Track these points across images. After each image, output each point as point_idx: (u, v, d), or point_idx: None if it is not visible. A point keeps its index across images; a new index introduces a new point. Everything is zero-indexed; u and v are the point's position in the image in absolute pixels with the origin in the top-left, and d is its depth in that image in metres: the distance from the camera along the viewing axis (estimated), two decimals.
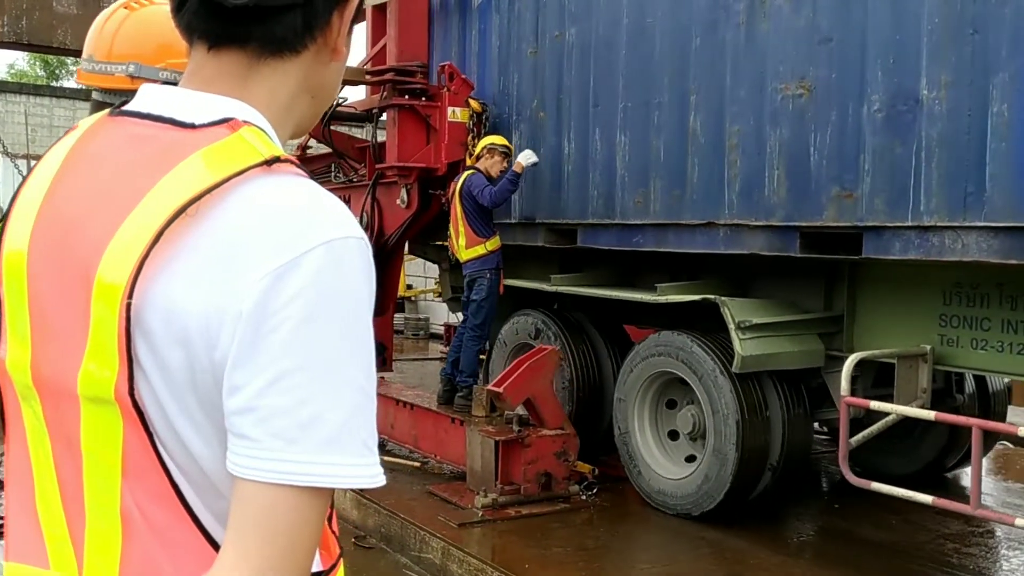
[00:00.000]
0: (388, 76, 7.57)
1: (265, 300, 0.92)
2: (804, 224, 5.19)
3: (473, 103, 7.50)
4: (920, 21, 4.58)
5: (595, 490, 6.35)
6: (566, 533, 5.64)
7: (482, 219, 6.94)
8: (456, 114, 7.44)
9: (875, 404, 4.94)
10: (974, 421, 4.47)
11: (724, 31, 5.61)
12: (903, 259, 4.76)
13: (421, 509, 5.99)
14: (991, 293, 5.05)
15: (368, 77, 7.84)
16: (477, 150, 7.11)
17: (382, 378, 8.17)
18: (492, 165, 7.00)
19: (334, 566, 1.13)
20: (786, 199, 5.27)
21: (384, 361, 8.52)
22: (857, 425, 5.33)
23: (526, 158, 6.70)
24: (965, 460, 7.04)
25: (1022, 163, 4.20)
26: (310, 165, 9.30)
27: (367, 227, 7.95)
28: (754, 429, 5.63)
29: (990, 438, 6.96)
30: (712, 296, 5.73)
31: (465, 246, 7.03)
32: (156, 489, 0.98)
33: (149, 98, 1.08)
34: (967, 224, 4.42)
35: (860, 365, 5.53)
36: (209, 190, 0.95)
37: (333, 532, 1.15)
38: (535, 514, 5.90)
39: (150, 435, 0.97)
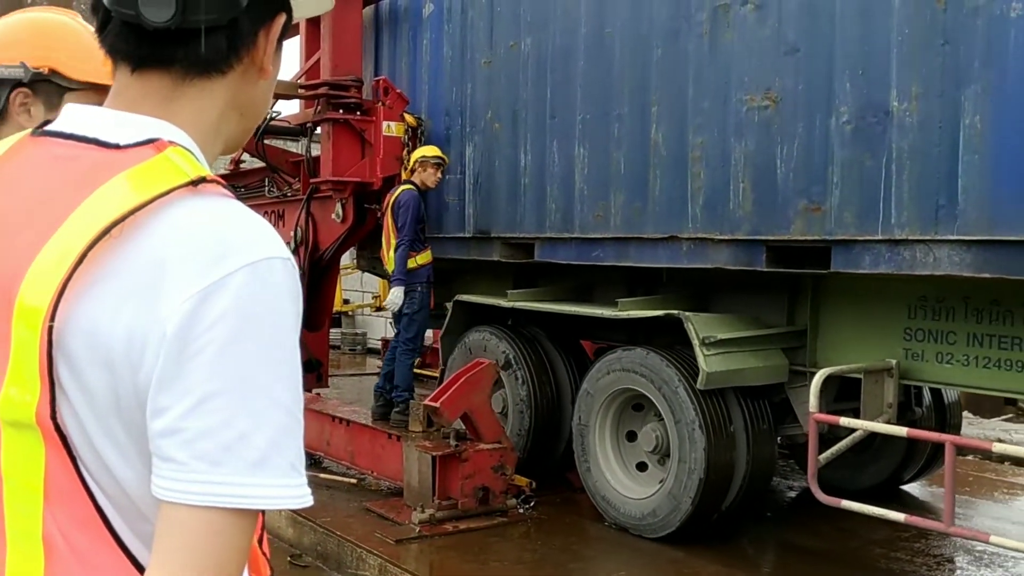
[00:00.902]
0: (322, 90, 7.55)
1: (189, 322, 0.91)
2: (771, 238, 5.11)
3: (408, 117, 7.52)
4: (889, 32, 4.53)
5: (533, 503, 6.33)
6: (504, 547, 5.64)
7: (412, 234, 6.94)
8: (391, 128, 7.45)
9: (844, 420, 4.86)
10: (948, 437, 4.42)
11: (686, 41, 5.52)
12: (871, 273, 4.70)
13: (358, 526, 5.93)
14: (957, 307, 5.01)
15: (302, 91, 7.84)
16: (410, 163, 7.14)
17: (318, 394, 8.22)
18: (426, 177, 7.03)
19: None
20: (752, 212, 5.18)
21: (320, 377, 8.47)
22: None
23: (391, 301, 6.97)
24: (922, 473, 7.07)
25: (995, 176, 4.16)
26: (244, 180, 9.30)
27: (302, 242, 7.93)
28: (719, 446, 5.52)
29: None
30: (676, 312, 5.62)
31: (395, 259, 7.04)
32: (80, 514, 0.97)
33: (73, 118, 1.06)
34: (939, 238, 4.37)
35: (824, 380, 5.49)
36: (133, 211, 0.94)
37: (264, 554, 1.14)
38: (473, 529, 5.88)
39: (73, 459, 0.96)
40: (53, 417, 0.95)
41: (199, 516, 0.91)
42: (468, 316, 7.49)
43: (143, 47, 1.04)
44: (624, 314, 5.92)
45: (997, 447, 4.26)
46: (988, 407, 10.20)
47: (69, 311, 0.93)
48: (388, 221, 7.07)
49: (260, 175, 8.96)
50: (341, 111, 7.55)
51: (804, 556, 5.67)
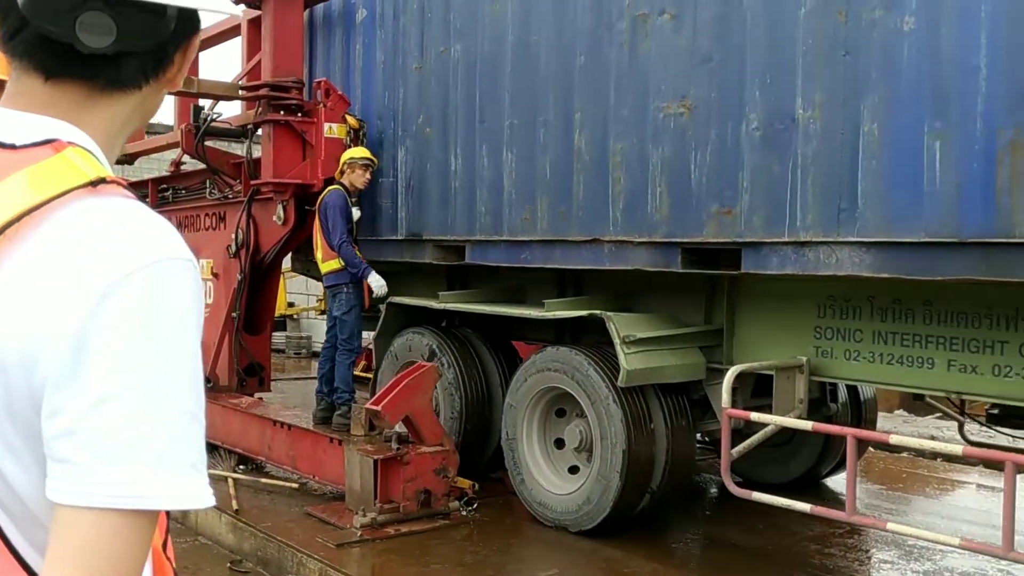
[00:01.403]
0: (263, 92, 7.53)
1: (87, 322, 0.90)
2: (686, 240, 5.29)
3: (350, 119, 7.51)
4: (795, 42, 4.74)
5: (475, 505, 6.36)
6: (445, 549, 5.66)
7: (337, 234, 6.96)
8: (333, 130, 7.45)
9: (755, 415, 5.06)
10: (849, 430, 4.63)
11: (608, 50, 5.70)
12: (779, 274, 4.90)
13: (299, 531, 5.91)
14: (863, 306, 5.23)
15: (243, 93, 7.81)
16: (340, 164, 7.12)
17: (260, 399, 8.17)
18: (355, 179, 7.06)
19: None
20: (668, 216, 5.37)
21: (261, 381, 8.42)
22: (736, 436, 5.45)
23: (377, 286, 6.86)
24: (839, 467, 7.31)
25: (892, 181, 4.38)
26: (184, 181, 9.25)
27: (243, 244, 7.93)
28: (639, 441, 5.69)
29: (862, 445, 7.24)
30: (598, 312, 5.78)
31: (322, 259, 7.07)
32: None
33: None
34: (840, 239, 4.58)
35: (739, 377, 5.69)
36: (30, 211, 0.93)
37: (168, 559, 1.12)
38: (415, 532, 5.89)
39: None
40: None
41: (95, 518, 0.89)
42: (403, 318, 7.59)
43: (67, 64, 1.03)
44: (550, 314, 6.07)
45: (894, 439, 4.48)
46: (922, 407, 10.52)
47: None
48: (316, 222, 7.11)
49: (201, 177, 8.93)
50: (282, 112, 7.55)
51: (740, 553, 5.75)
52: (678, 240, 5.34)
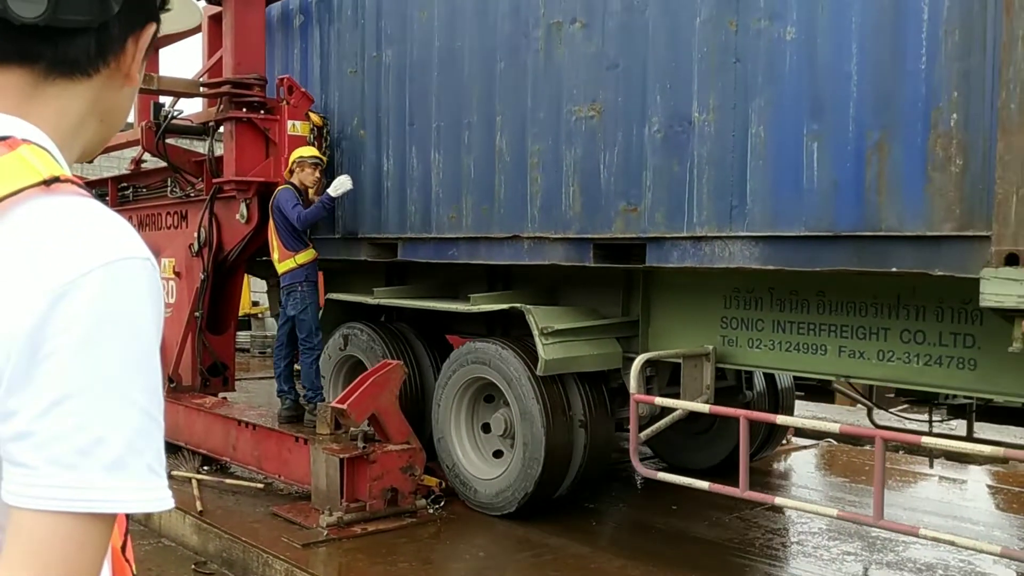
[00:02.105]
0: (224, 88, 7.49)
1: (42, 323, 0.89)
2: (596, 236, 5.59)
3: (314, 116, 7.52)
4: (692, 50, 5.06)
5: (443, 503, 6.37)
6: (413, 548, 5.65)
7: (291, 232, 7.02)
8: (296, 127, 7.42)
9: (659, 400, 5.38)
10: (742, 412, 4.93)
11: (525, 56, 5.99)
12: (680, 267, 5.22)
13: (264, 531, 5.90)
14: (764, 297, 5.57)
15: (204, 90, 7.76)
16: (289, 163, 7.17)
17: (224, 398, 8.13)
18: (305, 177, 7.11)
19: None
20: (581, 213, 5.67)
21: (225, 381, 8.38)
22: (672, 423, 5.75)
23: (338, 187, 6.85)
24: (764, 450, 7.69)
25: (776, 179, 4.71)
26: (145, 180, 9.23)
27: (205, 243, 7.90)
28: (558, 428, 5.99)
29: (780, 431, 7.59)
30: (519, 305, 6.08)
31: (278, 260, 7.13)
32: None
33: None
34: (732, 234, 4.91)
35: (655, 366, 6.02)
36: None
37: (127, 560, 1.11)
38: (382, 530, 5.88)
39: None
40: None
41: (51, 521, 0.89)
42: (340, 313, 7.84)
43: (5, 42, 1.01)
44: (474, 308, 6.36)
45: (780, 419, 4.79)
46: (889, 400, 10.56)
47: None
48: (271, 224, 7.17)
49: (162, 175, 8.88)
50: (244, 110, 7.50)
51: (706, 547, 5.83)
52: (590, 236, 5.64)
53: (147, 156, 8.90)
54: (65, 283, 0.90)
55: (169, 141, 8.15)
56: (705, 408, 5.17)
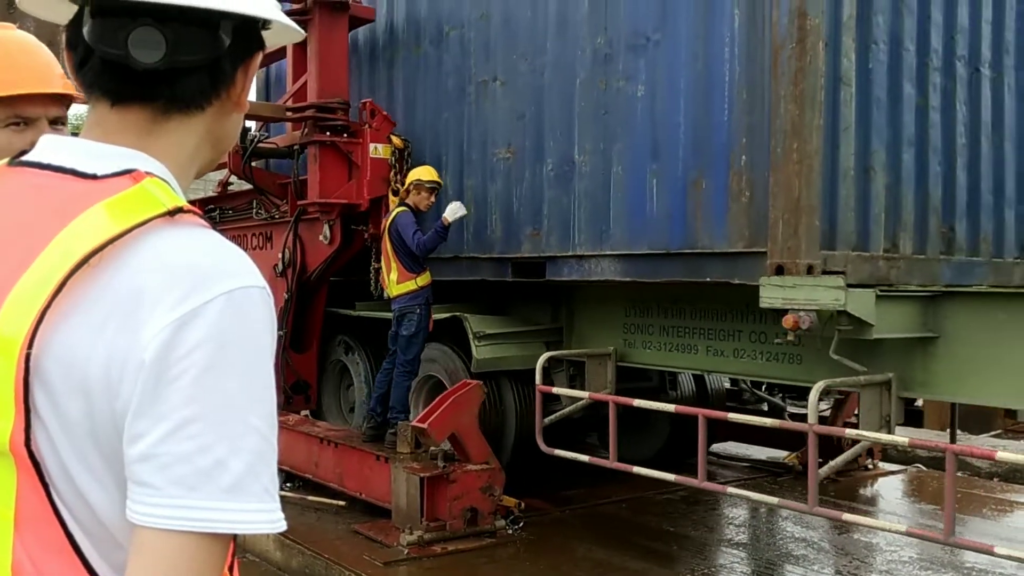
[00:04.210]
0: (309, 113, 7.65)
1: (167, 350, 0.93)
2: (512, 256, 6.75)
3: (395, 139, 7.60)
4: (574, 104, 6.21)
5: (521, 524, 6.45)
6: (492, 568, 5.70)
7: (412, 255, 6.94)
8: (378, 150, 7.53)
9: (557, 390, 6.49)
10: (610, 398, 6.02)
11: (463, 106, 7.21)
12: (567, 280, 6.36)
13: (346, 548, 6.01)
14: (653, 305, 6.65)
15: (289, 114, 7.90)
16: (406, 183, 7.17)
17: (306, 416, 8.34)
18: (419, 200, 7.05)
19: None
20: (501, 237, 6.84)
21: (308, 399, 8.53)
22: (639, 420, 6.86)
23: (453, 213, 6.76)
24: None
25: (630, 209, 5.82)
26: (232, 202, 9.58)
27: (289, 263, 8.09)
28: (492, 419, 7.12)
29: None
30: (458, 313, 7.26)
31: (396, 281, 7.05)
32: (50, 541, 0.98)
33: (50, 148, 1.09)
34: (602, 253, 6.03)
35: (578, 366, 7.12)
36: (111, 240, 0.96)
37: None
38: (461, 550, 5.94)
39: (45, 486, 0.97)
40: (27, 444, 0.95)
41: (172, 540, 0.92)
42: (333, 325, 9.11)
43: (128, 85, 1.06)
44: (435, 316, 7.55)
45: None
46: (976, 424, 10.83)
47: (47, 339, 0.95)
48: (387, 246, 7.08)
49: (248, 197, 9.02)
50: (328, 133, 7.63)
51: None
52: (508, 256, 6.80)
53: (233, 178, 9.11)
54: (189, 311, 0.94)
55: (254, 164, 8.32)
56: (584, 394, 6.27)
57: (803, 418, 6.96)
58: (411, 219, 6.93)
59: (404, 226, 6.89)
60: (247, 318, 0.98)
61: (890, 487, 8.27)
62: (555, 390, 6.50)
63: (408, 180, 7.15)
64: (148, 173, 1.05)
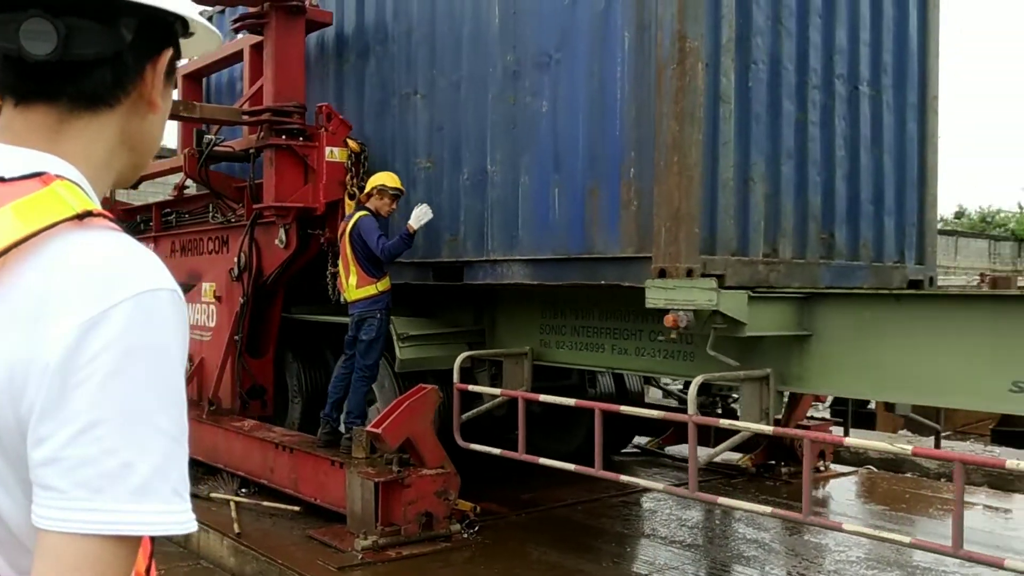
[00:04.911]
0: (265, 116, 7.65)
1: (73, 353, 0.93)
2: (433, 260, 7.12)
3: (352, 143, 7.60)
4: (487, 117, 6.59)
5: (477, 528, 6.51)
6: (447, 572, 5.75)
7: (373, 260, 6.91)
8: (334, 154, 7.53)
9: (473, 388, 6.85)
10: (519, 394, 6.40)
11: (387, 119, 7.57)
12: (482, 283, 6.73)
13: (300, 554, 6.02)
14: (565, 308, 7.04)
15: (245, 117, 7.91)
16: (367, 187, 7.12)
17: (262, 422, 8.26)
18: (382, 206, 7.02)
19: None
20: (424, 243, 7.19)
21: (264, 404, 8.49)
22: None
23: (419, 219, 6.71)
24: (623, 444, 9.09)
25: (536, 216, 6.21)
26: (187, 206, 9.55)
27: (245, 267, 8.09)
28: None
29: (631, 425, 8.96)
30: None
31: (356, 286, 7.02)
32: None
33: None
34: (512, 258, 6.41)
35: (499, 366, 7.49)
36: (18, 243, 0.95)
37: None
38: (416, 555, 5.96)
39: None
40: None
41: (78, 544, 0.91)
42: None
43: (27, 81, 1.05)
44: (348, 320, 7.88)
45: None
46: (925, 426, 11.06)
47: None
48: (346, 250, 7.02)
49: (204, 201, 9.01)
50: (284, 137, 7.62)
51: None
52: (430, 260, 7.17)
53: (190, 182, 9.03)
54: (95, 314, 0.94)
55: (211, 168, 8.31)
56: (495, 392, 6.65)
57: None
58: (374, 223, 6.91)
59: (368, 231, 6.85)
60: (155, 322, 0.98)
61: (842, 488, 8.49)
62: (472, 388, 6.86)
63: (370, 185, 7.10)
64: (59, 176, 1.04)
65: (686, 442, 5.17)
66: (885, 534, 4.46)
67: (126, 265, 0.99)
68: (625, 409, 5.94)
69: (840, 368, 5.32)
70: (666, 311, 5.22)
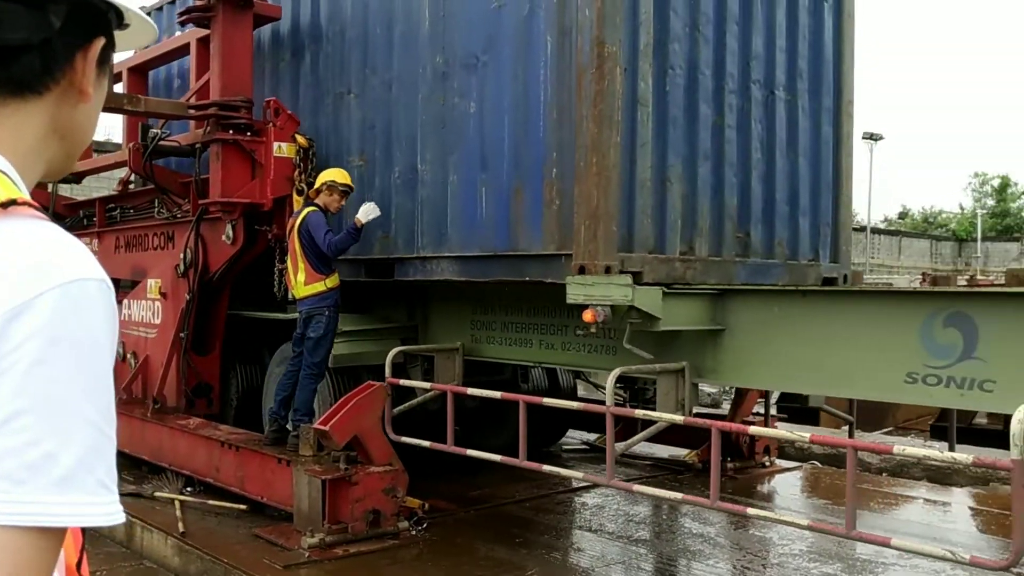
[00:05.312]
0: (212, 111, 7.54)
1: None
2: (365, 257, 7.25)
3: (300, 138, 7.54)
4: (418, 117, 6.74)
5: (425, 525, 6.51)
6: (394, 569, 5.72)
7: (321, 256, 6.88)
8: (282, 149, 7.45)
9: (404, 382, 7.00)
10: (448, 387, 6.56)
11: (321, 116, 7.68)
12: (413, 280, 6.88)
13: (246, 552, 5.95)
14: (495, 304, 7.22)
15: (191, 112, 7.85)
16: (317, 183, 7.07)
17: (208, 420, 8.19)
18: (331, 202, 6.98)
19: None
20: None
21: (210, 402, 8.42)
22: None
23: (367, 214, 6.68)
24: (555, 438, 9.29)
25: (464, 215, 6.37)
26: (132, 201, 9.43)
27: (191, 264, 8.00)
28: None
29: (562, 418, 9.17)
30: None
31: (304, 282, 6.96)
32: None
33: None
34: (442, 255, 6.57)
35: (430, 361, 7.64)
36: None
37: None
38: (363, 552, 5.93)
39: None
40: None
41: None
42: None
43: None
44: (287, 316, 7.98)
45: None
46: (870, 422, 11.31)
47: None
48: (295, 245, 6.97)
49: (149, 196, 8.89)
50: (231, 131, 7.52)
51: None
52: (362, 257, 7.29)
53: (135, 177, 8.89)
54: (20, 304, 0.92)
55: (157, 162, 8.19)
56: (425, 386, 6.81)
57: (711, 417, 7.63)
58: (322, 219, 6.85)
59: (316, 226, 6.80)
60: (82, 312, 0.96)
61: (787, 483, 8.59)
62: (403, 382, 7.01)
63: (319, 181, 7.04)
64: None
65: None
66: (788, 517, 4.68)
67: (53, 254, 0.97)
68: (548, 401, 6.13)
69: (751, 361, 5.56)
70: (585, 306, 5.40)
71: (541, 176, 5.82)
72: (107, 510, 0.95)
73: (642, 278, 5.55)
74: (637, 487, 5.53)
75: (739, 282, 6.18)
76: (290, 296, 7.31)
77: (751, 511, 4.65)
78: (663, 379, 5.71)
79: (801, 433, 5.19)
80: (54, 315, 0.93)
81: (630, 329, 5.43)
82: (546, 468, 5.99)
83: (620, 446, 5.66)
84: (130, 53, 9.78)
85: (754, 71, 6.36)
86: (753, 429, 5.10)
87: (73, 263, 0.97)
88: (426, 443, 6.73)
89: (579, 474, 6.07)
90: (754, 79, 6.36)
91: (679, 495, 5.14)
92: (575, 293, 5.45)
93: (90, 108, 1.14)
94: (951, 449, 6.71)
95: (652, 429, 5.63)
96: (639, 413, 5.57)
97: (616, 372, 5.47)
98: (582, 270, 5.45)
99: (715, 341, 5.69)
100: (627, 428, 9.01)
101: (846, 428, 10.32)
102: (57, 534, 0.94)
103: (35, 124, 1.08)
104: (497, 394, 6.24)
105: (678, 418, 5.22)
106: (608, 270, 5.38)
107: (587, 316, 5.37)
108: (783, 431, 5.34)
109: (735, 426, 5.40)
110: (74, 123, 1.13)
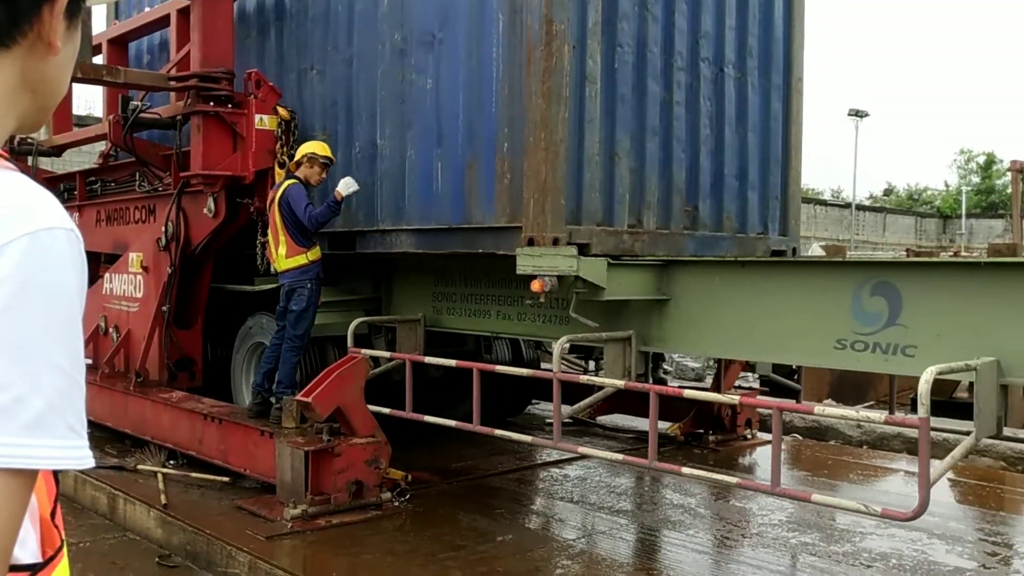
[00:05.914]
0: (192, 82, 7.49)
1: None
2: (328, 230, 7.37)
3: (282, 111, 7.50)
4: (377, 92, 6.89)
5: (408, 496, 6.57)
6: (377, 540, 5.77)
7: (302, 229, 6.92)
8: (264, 121, 7.41)
9: (366, 352, 7.18)
10: (408, 356, 6.75)
11: (286, 93, 7.81)
12: (373, 252, 7.05)
13: (229, 524, 6.00)
14: (455, 276, 7.41)
15: (172, 83, 7.79)
16: (297, 156, 7.09)
17: (191, 393, 8.21)
18: (311, 175, 7.01)
19: (54, 557, 1.09)
20: None
21: (193, 375, 8.46)
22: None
23: (346, 187, 6.72)
24: (519, 409, 9.52)
25: (421, 189, 6.55)
26: (113, 174, 9.47)
27: (173, 237, 8.00)
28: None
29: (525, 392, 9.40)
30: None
31: (285, 255, 7.01)
32: None
33: None
34: (400, 228, 6.74)
35: (393, 332, 7.82)
36: None
37: (56, 527, 1.11)
38: (346, 523, 6.01)
39: None
40: None
41: None
42: None
43: None
44: (257, 288, 8.16)
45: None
46: (850, 394, 11.58)
47: None
48: (276, 218, 6.99)
49: (130, 169, 8.86)
50: (212, 103, 7.45)
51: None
52: (326, 230, 7.41)
53: (116, 150, 8.85)
54: None
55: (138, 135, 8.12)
56: (386, 354, 7.00)
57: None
58: (303, 192, 6.88)
59: (296, 199, 6.82)
60: (51, 259, 0.97)
61: (767, 456, 8.39)
62: (364, 352, 7.19)
63: (300, 153, 7.04)
64: None
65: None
66: (717, 475, 4.90)
67: (21, 203, 0.98)
68: (500, 368, 6.33)
69: (695, 329, 5.78)
70: (534, 277, 5.60)
71: (493, 151, 6.00)
72: (77, 454, 0.98)
73: (590, 250, 5.74)
74: (582, 449, 5.76)
75: (688, 254, 6.38)
76: (272, 269, 7.35)
77: (685, 470, 4.87)
78: (610, 347, 5.91)
79: (732, 396, 5.42)
80: (23, 262, 0.94)
81: (576, 299, 5.63)
82: (498, 432, 6.19)
83: (567, 411, 5.87)
84: (101, 11, 9.54)
85: (703, 49, 6.53)
86: (688, 392, 5.30)
87: (42, 212, 0.99)
88: (386, 410, 6.92)
89: (527, 438, 6.28)
90: (703, 57, 6.54)
91: (619, 456, 5.38)
92: (524, 264, 5.64)
93: (60, 61, 1.13)
94: (891, 414, 6.90)
95: (600, 394, 5.84)
96: (583, 379, 5.79)
97: (563, 340, 5.68)
98: (531, 242, 5.64)
99: (661, 310, 5.90)
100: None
101: (827, 401, 10.85)
102: (28, 477, 0.95)
103: (4, 78, 1.08)
104: (453, 362, 6.43)
105: (619, 383, 5.43)
106: (556, 242, 5.57)
107: (535, 286, 5.56)
108: (715, 394, 5.55)
109: (671, 390, 5.62)
110: (44, 76, 1.12)
